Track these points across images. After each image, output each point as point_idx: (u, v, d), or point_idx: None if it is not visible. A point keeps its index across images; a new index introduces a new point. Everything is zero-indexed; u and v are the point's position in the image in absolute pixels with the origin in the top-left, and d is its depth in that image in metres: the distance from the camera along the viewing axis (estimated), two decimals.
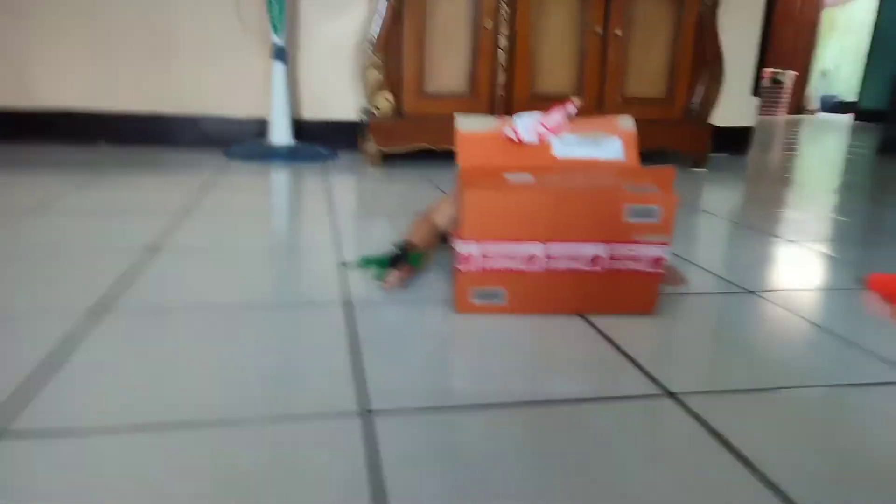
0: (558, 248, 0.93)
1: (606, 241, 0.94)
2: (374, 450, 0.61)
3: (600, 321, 0.95)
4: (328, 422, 0.66)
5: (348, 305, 0.97)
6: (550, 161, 1.02)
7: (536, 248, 0.93)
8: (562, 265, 0.94)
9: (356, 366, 0.78)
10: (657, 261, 0.95)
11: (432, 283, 1.08)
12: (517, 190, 0.93)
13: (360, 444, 0.62)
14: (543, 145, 1.02)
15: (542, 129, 1.02)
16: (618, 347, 0.87)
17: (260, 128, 2.63)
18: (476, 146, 1.02)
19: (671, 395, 0.74)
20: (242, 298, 1.00)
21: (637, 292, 0.97)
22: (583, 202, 0.92)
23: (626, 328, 0.93)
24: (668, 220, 0.93)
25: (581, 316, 0.97)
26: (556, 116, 1.02)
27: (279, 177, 2.14)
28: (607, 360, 0.83)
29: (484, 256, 0.93)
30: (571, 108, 1.03)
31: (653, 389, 0.75)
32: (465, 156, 1.01)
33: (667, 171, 0.96)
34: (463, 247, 0.93)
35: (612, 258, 0.94)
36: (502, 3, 2.29)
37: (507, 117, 1.06)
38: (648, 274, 0.96)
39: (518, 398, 0.72)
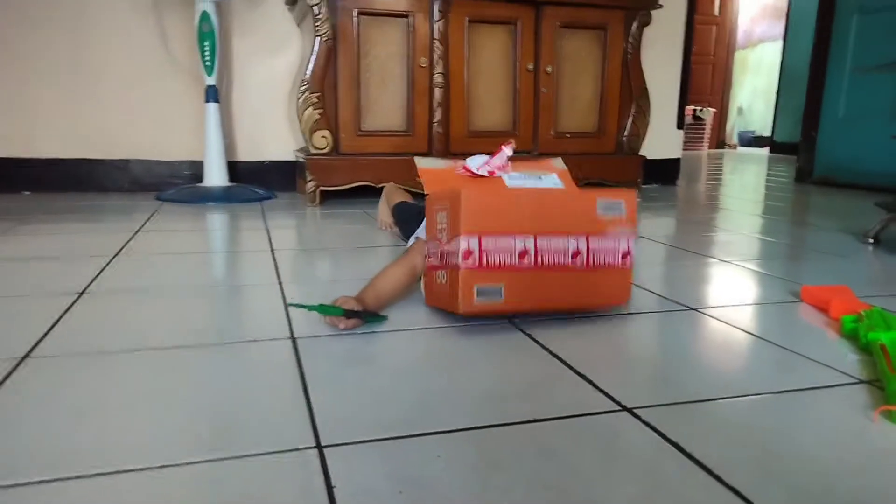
0: (545, 243, 1.01)
1: (584, 233, 1.03)
2: (328, 485, 0.58)
3: (549, 341, 0.95)
4: (278, 459, 0.62)
5: (293, 341, 0.94)
6: (505, 189, 1.10)
7: (527, 243, 1.00)
8: (549, 259, 1.01)
9: (303, 400, 0.75)
10: (626, 255, 1.06)
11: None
12: (503, 192, 1.05)
13: (312, 481, 0.59)
14: (495, 178, 1.11)
15: (491, 168, 1.11)
16: (569, 366, 0.86)
17: (194, 170, 2.57)
18: (437, 178, 1.11)
19: (627, 409, 0.74)
20: (182, 340, 0.95)
21: (612, 285, 1.07)
22: (561, 199, 1.06)
23: (574, 346, 0.93)
24: (632, 213, 1.06)
25: (528, 336, 0.97)
26: (500, 157, 1.12)
27: (216, 218, 2.08)
28: (560, 378, 0.83)
29: (483, 251, 0.98)
30: (509, 149, 1.12)
31: (608, 405, 0.75)
32: (431, 185, 1.10)
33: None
34: (463, 243, 0.97)
35: (589, 251, 1.04)
36: (436, 41, 2.34)
37: (458, 160, 1.16)
38: (620, 268, 1.06)
39: (476, 422, 0.70)
